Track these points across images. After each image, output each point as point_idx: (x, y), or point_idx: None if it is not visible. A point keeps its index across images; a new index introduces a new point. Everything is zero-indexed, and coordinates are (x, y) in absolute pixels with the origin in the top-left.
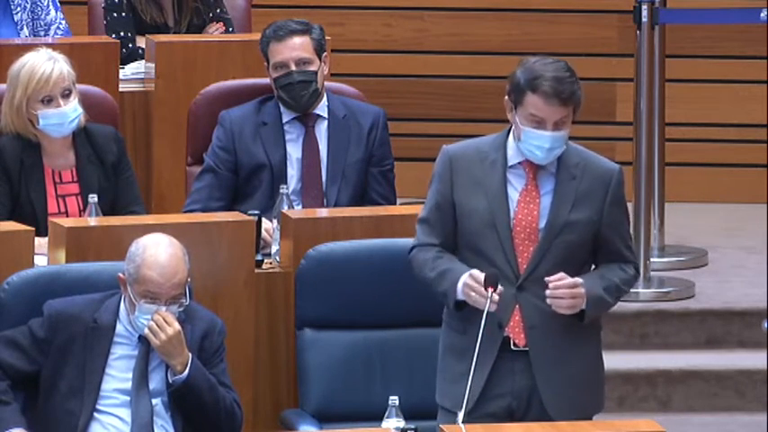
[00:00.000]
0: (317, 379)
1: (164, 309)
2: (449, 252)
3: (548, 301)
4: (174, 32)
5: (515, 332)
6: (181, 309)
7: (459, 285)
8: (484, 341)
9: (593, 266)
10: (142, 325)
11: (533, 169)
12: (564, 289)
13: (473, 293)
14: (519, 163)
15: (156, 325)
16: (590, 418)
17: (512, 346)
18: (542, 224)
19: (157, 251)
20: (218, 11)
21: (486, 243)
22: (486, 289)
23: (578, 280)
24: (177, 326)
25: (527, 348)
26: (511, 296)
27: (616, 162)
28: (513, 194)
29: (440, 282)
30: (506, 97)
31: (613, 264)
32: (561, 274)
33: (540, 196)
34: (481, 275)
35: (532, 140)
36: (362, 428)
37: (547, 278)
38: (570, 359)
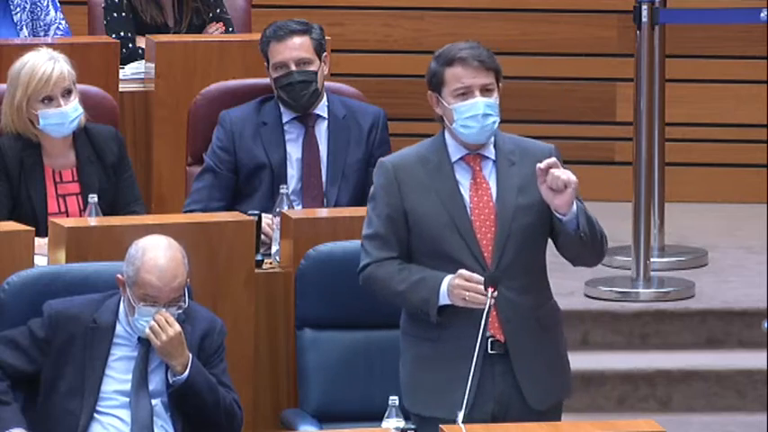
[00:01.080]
0: (317, 379)
1: (164, 310)
2: (406, 263)
3: (548, 196)
4: (174, 32)
5: (494, 328)
6: (180, 311)
7: (444, 289)
8: (462, 345)
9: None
10: (142, 327)
11: (476, 161)
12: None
13: (467, 293)
14: (461, 158)
15: (158, 325)
16: (561, 404)
17: (489, 350)
18: (496, 214)
19: (156, 254)
20: (218, 11)
21: (449, 245)
22: (486, 289)
23: (561, 170)
24: (178, 327)
25: (503, 350)
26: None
27: (616, 162)
28: (465, 191)
29: (414, 292)
30: (429, 93)
31: None
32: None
33: (490, 186)
34: (472, 274)
35: (465, 113)
36: (362, 428)
37: (537, 165)
38: (542, 348)
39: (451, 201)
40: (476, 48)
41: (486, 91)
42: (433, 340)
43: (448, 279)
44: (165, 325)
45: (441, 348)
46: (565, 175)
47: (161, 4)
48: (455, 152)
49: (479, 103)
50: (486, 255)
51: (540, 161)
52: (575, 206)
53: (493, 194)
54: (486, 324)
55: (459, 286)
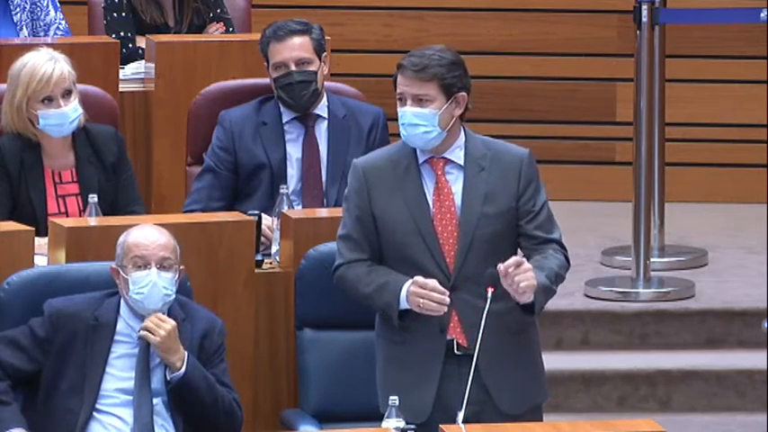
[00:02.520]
0: (317, 379)
1: (156, 273)
2: (377, 264)
3: (510, 290)
4: (175, 32)
5: (457, 333)
6: (176, 278)
7: (403, 295)
8: (427, 349)
9: (519, 255)
10: (136, 298)
11: (440, 165)
12: (514, 269)
13: (421, 300)
14: (426, 161)
15: (153, 324)
16: (539, 408)
17: (455, 351)
18: (459, 221)
19: (142, 227)
20: (218, 11)
21: (413, 250)
22: (486, 289)
23: (518, 258)
24: (172, 321)
25: (469, 350)
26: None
27: (616, 162)
28: (429, 196)
29: (379, 295)
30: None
31: (543, 249)
32: (512, 259)
33: (453, 193)
34: (427, 281)
35: (400, 119)
36: (362, 428)
37: (499, 266)
38: (512, 352)
39: (417, 205)
40: (422, 55)
41: (418, 101)
42: (399, 343)
43: (407, 285)
44: (158, 322)
45: (406, 350)
46: (525, 281)
47: (161, 4)
48: (421, 154)
49: (404, 112)
50: (448, 261)
51: (512, 167)
52: (532, 296)
53: (457, 200)
54: (485, 324)
55: (414, 293)
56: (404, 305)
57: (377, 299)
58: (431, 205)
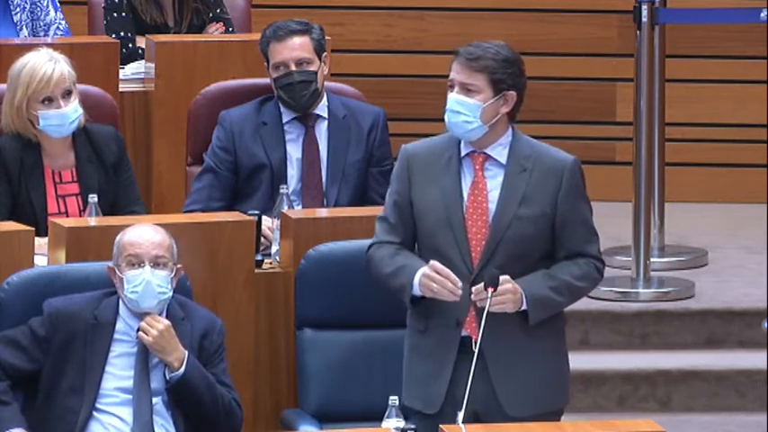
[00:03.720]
0: (317, 379)
1: (150, 271)
2: (409, 251)
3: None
4: (174, 32)
5: (473, 329)
6: (172, 276)
7: (416, 279)
8: (444, 340)
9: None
10: (131, 297)
11: (479, 161)
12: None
13: (434, 285)
14: (467, 154)
15: (146, 324)
16: (557, 414)
17: (473, 346)
18: (491, 218)
19: (137, 226)
20: (218, 11)
21: (442, 241)
22: (486, 289)
23: (504, 277)
24: (166, 321)
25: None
26: (466, 293)
27: (616, 162)
28: (465, 190)
29: (395, 277)
30: None
31: (569, 260)
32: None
33: (489, 190)
34: (444, 268)
35: (446, 106)
36: (362, 428)
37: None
38: (526, 355)
39: (451, 197)
40: (478, 45)
41: (465, 89)
42: (421, 331)
43: (422, 270)
44: (151, 322)
45: (426, 340)
46: (496, 306)
47: (161, 4)
48: (464, 147)
49: (452, 99)
50: (473, 255)
51: (554, 172)
52: (523, 305)
53: (492, 198)
54: (484, 324)
55: (428, 276)
56: (416, 290)
57: (393, 281)
58: (465, 199)
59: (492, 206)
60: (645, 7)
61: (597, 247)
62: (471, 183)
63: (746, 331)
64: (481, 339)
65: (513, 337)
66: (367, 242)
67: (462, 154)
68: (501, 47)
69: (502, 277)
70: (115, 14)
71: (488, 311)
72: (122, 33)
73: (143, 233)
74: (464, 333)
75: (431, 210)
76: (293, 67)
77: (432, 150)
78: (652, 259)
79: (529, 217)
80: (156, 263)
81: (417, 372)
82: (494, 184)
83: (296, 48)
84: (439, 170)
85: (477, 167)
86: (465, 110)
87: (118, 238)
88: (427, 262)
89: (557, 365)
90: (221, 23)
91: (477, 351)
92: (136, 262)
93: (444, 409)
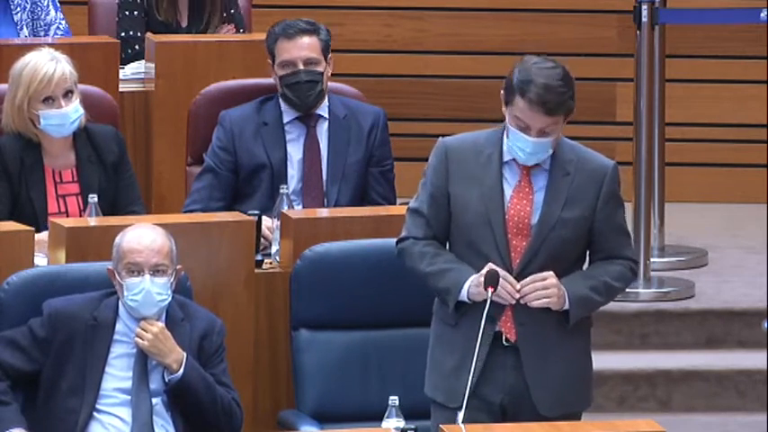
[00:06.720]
0: (314, 380)
1: (149, 280)
2: (442, 245)
3: (521, 301)
4: (186, 32)
5: (507, 327)
6: (172, 281)
7: (466, 287)
8: (474, 336)
9: (587, 263)
10: (131, 305)
11: (526, 166)
12: (531, 284)
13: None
14: (513, 159)
15: (141, 329)
16: (579, 416)
17: (504, 342)
18: (534, 220)
19: (136, 229)
20: (231, 11)
21: (480, 238)
22: (485, 289)
23: (546, 273)
24: (160, 324)
25: (516, 345)
26: None
27: (617, 162)
28: (508, 190)
29: (439, 279)
30: (502, 91)
31: (605, 261)
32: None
33: (534, 192)
34: (503, 270)
35: (516, 142)
36: (362, 428)
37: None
38: (559, 357)
39: (492, 195)
40: (550, 89)
41: (542, 133)
42: (451, 325)
43: (472, 278)
44: (145, 326)
45: (456, 334)
46: (537, 300)
47: (176, 5)
48: (508, 152)
49: (529, 143)
50: (513, 256)
51: (595, 177)
52: (566, 304)
53: (536, 201)
54: (485, 324)
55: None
56: (463, 297)
57: (436, 281)
58: (507, 199)
59: (536, 208)
60: (645, 7)
61: (631, 249)
62: (516, 184)
63: (746, 331)
64: (527, 332)
65: (550, 337)
66: (366, 242)
67: (506, 158)
68: (563, 77)
69: (546, 273)
70: (128, 12)
71: (488, 311)
72: (132, 33)
73: (142, 238)
74: (497, 329)
75: (469, 205)
76: (301, 67)
77: (471, 146)
78: (652, 259)
79: (570, 220)
80: (156, 270)
81: (444, 365)
82: (538, 186)
83: (305, 47)
84: (479, 167)
85: (524, 172)
86: (543, 149)
87: (117, 240)
88: (460, 255)
89: (586, 366)
90: (232, 25)
91: (476, 352)
92: (135, 270)
93: (469, 401)
